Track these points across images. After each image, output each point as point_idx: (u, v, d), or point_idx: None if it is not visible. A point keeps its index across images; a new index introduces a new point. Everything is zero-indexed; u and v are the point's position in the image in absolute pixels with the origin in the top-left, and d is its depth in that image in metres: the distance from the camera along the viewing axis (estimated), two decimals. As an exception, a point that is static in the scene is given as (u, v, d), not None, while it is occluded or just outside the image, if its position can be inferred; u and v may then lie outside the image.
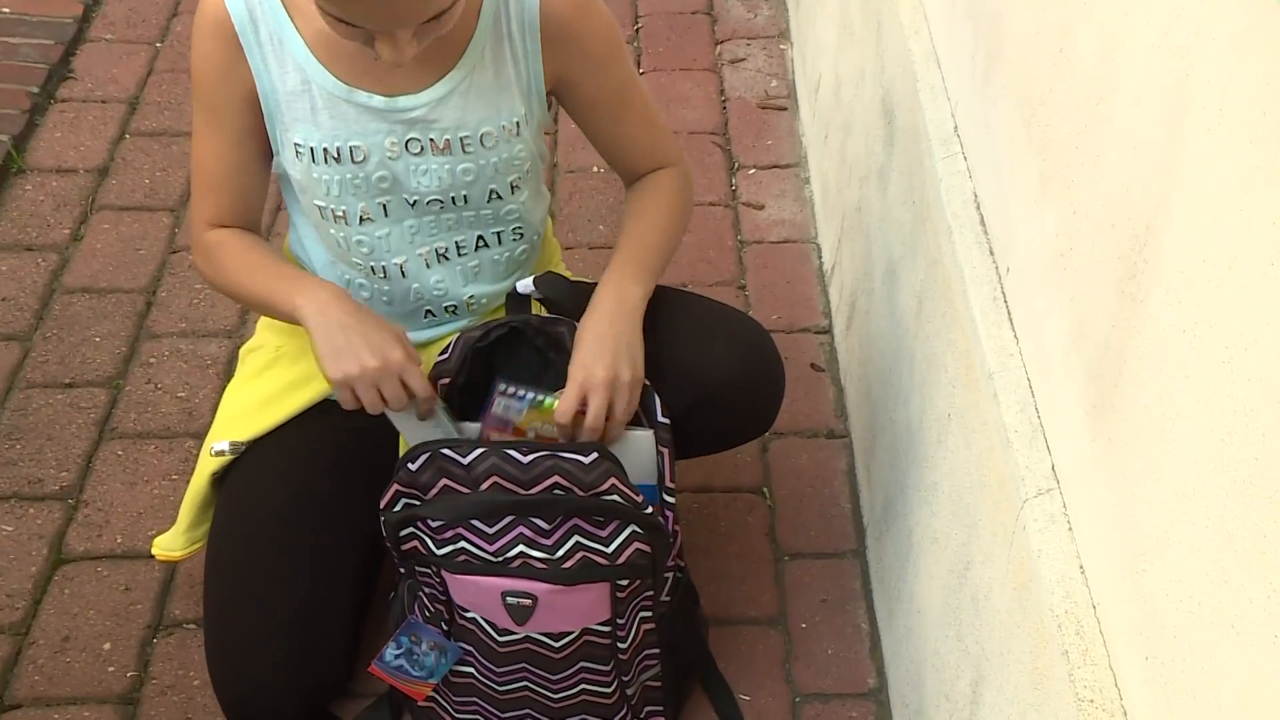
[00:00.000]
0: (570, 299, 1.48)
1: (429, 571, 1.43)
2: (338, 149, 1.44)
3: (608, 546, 1.38)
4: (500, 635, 1.45)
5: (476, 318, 1.63)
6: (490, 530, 1.38)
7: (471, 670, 1.51)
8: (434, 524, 1.38)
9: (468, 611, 1.45)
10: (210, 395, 2.00)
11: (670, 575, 1.48)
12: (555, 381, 1.44)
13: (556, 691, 1.51)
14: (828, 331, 2.14)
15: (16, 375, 2.04)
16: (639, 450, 1.43)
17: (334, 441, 1.59)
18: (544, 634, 1.44)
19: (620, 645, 1.47)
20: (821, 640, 1.74)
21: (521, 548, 1.38)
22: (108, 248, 2.26)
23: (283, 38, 1.41)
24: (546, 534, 1.38)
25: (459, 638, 1.48)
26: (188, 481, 1.67)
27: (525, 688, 1.50)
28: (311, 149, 1.45)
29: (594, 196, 2.38)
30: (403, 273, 1.55)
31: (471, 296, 1.60)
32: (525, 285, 1.49)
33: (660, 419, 1.44)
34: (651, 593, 1.45)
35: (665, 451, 1.43)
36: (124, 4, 2.78)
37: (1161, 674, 0.94)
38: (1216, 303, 0.87)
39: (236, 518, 1.57)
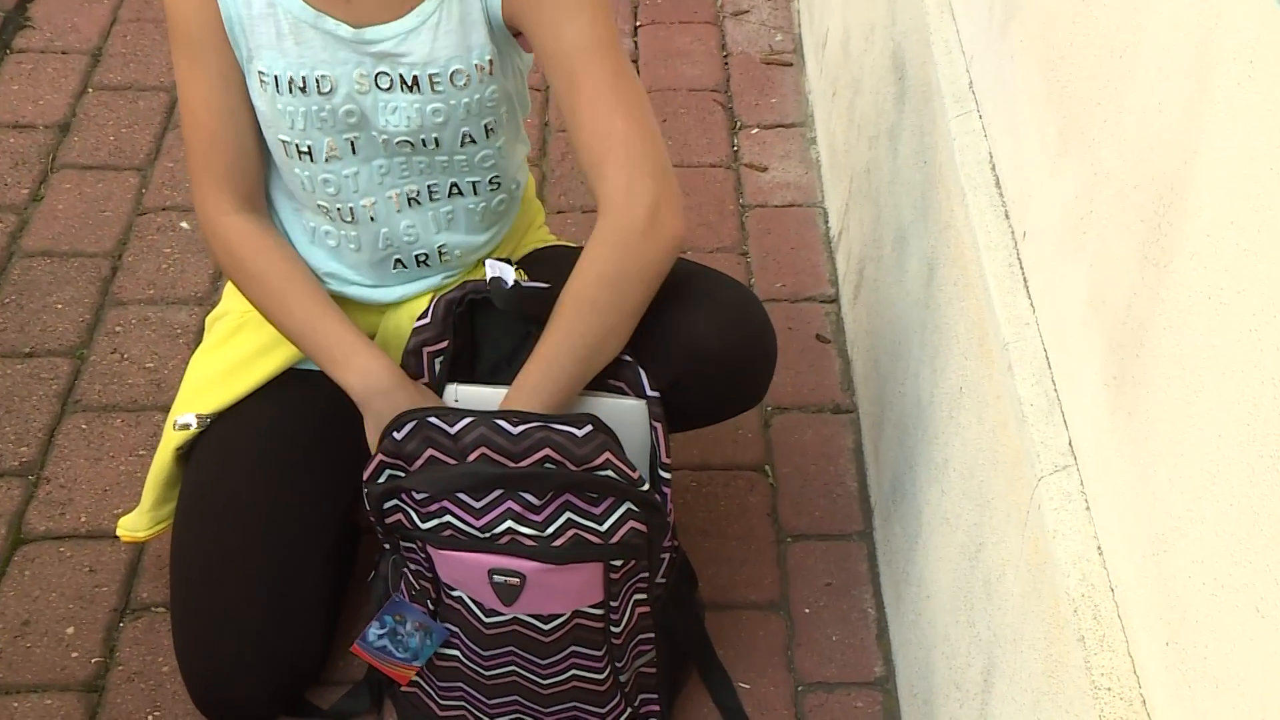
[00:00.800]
0: (519, 309, 1.45)
1: (414, 546, 1.44)
2: (304, 78, 1.45)
3: (601, 524, 1.39)
4: (487, 617, 1.45)
5: (450, 273, 1.63)
6: (477, 504, 1.38)
7: (457, 654, 1.51)
8: (418, 496, 1.39)
9: (454, 590, 1.45)
10: (179, 366, 2.00)
11: (666, 556, 1.49)
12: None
13: (546, 677, 1.51)
14: (834, 301, 2.14)
15: (-27, 344, 2.04)
16: (632, 423, 1.43)
17: (304, 412, 1.60)
18: (533, 616, 1.44)
19: (614, 629, 1.48)
20: (825, 626, 1.75)
21: (510, 523, 1.38)
22: (70, 209, 2.26)
23: None
24: (536, 510, 1.38)
25: (444, 618, 1.48)
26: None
27: (513, 673, 1.51)
28: (276, 77, 1.46)
29: (587, 156, 2.37)
30: (371, 216, 1.55)
31: (443, 245, 1.60)
32: (492, 269, 1.47)
33: (650, 392, 1.44)
34: (647, 574, 1.46)
35: (659, 426, 1.43)
36: (87, -51, 2.77)
37: (1183, 661, 0.95)
38: (1244, 268, 0.87)
39: (203, 494, 1.57)
